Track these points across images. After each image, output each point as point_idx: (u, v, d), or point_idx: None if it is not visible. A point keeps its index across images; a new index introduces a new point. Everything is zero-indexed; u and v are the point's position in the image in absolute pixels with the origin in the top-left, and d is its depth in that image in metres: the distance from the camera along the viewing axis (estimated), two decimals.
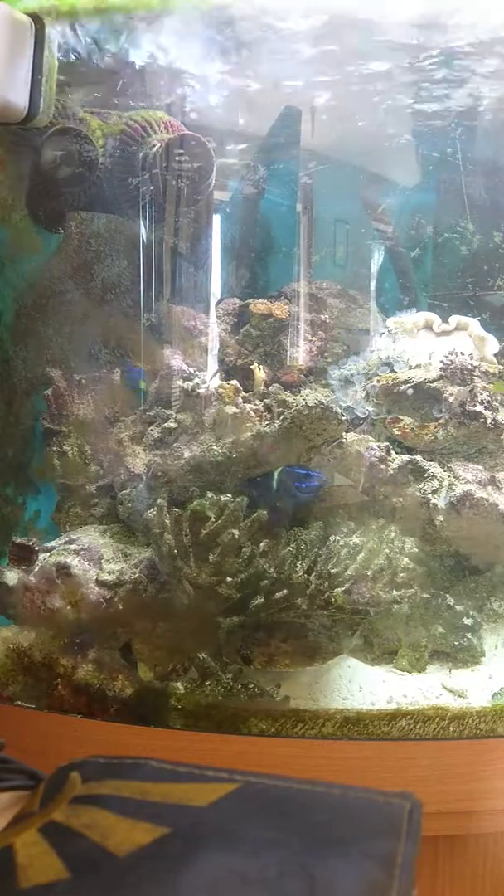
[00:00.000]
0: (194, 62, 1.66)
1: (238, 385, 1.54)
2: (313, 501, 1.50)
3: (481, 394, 1.54)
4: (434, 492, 1.48)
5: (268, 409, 1.51)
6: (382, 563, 1.40)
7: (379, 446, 1.51)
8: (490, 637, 1.50)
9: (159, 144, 1.67)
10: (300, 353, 1.78)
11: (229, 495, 1.39)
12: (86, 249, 1.75)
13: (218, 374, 1.71)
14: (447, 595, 1.49)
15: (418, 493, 1.49)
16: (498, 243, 1.89)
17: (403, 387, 1.61)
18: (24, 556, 1.48)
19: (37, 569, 1.46)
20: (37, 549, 1.49)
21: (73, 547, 1.48)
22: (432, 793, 1.18)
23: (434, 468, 1.51)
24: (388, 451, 1.52)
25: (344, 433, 1.50)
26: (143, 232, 1.70)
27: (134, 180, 1.69)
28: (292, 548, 1.38)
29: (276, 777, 0.51)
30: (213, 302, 1.82)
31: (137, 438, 1.58)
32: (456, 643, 1.46)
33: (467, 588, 1.55)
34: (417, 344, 1.71)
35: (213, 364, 1.73)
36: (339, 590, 1.36)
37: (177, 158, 1.67)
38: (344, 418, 1.48)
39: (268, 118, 1.81)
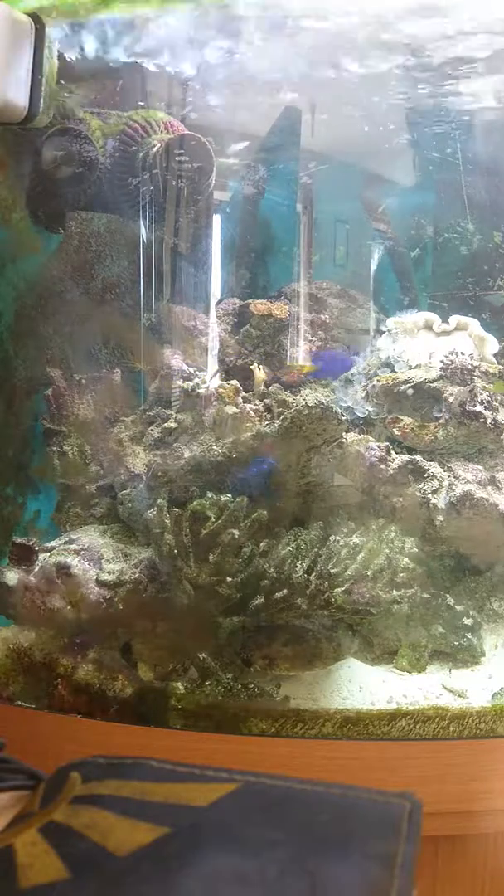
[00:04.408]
0: (194, 62, 1.66)
1: (238, 385, 1.54)
2: (313, 500, 1.50)
3: (481, 394, 1.54)
4: (434, 492, 1.48)
5: (268, 409, 1.51)
6: (382, 563, 1.40)
7: (379, 446, 1.51)
8: (490, 637, 1.50)
9: (159, 144, 1.67)
10: (300, 353, 1.78)
11: (229, 495, 1.39)
12: (86, 249, 1.75)
13: (218, 374, 1.71)
14: (447, 595, 1.49)
15: (418, 493, 1.49)
16: (498, 243, 1.89)
17: (403, 387, 1.61)
18: (24, 556, 1.47)
19: (37, 569, 1.45)
20: (37, 549, 1.49)
21: (73, 547, 1.48)
22: (432, 793, 1.18)
23: (434, 468, 1.51)
24: (388, 451, 1.52)
25: (344, 433, 1.50)
26: (143, 232, 1.70)
27: (134, 180, 1.69)
28: (292, 548, 1.38)
29: (276, 777, 0.51)
30: (213, 302, 1.82)
31: (137, 438, 1.58)
32: (456, 643, 1.46)
33: (467, 588, 1.55)
34: (417, 344, 1.71)
35: (213, 364, 1.73)
36: (339, 590, 1.35)
37: (177, 158, 1.67)
38: (344, 418, 1.48)
39: (268, 118, 1.81)
